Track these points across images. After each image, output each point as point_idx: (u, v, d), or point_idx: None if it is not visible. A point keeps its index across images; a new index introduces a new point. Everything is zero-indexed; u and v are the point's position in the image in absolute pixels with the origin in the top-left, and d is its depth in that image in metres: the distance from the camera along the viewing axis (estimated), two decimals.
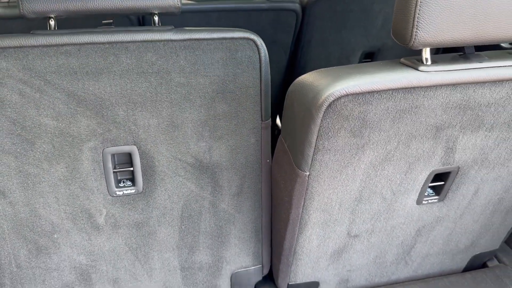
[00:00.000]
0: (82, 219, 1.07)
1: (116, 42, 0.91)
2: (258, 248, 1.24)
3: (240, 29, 0.98)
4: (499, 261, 1.39)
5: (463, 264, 1.34)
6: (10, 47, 0.87)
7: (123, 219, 1.10)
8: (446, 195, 1.07)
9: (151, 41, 0.92)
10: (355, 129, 0.85)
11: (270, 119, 1.08)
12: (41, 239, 1.07)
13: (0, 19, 1.36)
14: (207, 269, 1.22)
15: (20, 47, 0.87)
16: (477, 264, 1.37)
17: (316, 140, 0.85)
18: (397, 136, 0.89)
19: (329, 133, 0.84)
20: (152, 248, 1.16)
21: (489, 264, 1.38)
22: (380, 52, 1.84)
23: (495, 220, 1.20)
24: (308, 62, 1.80)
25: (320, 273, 1.19)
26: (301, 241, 1.07)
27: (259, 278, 1.29)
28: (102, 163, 1.02)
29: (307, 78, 0.88)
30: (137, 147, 1.02)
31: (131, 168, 1.04)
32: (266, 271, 1.29)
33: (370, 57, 1.86)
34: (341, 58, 1.81)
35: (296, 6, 1.58)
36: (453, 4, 0.76)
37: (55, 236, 1.08)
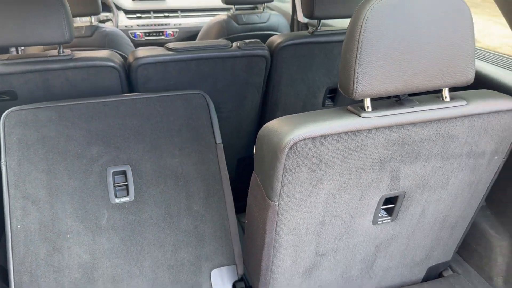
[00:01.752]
0: (90, 221, 1.40)
1: (119, 100, 1.51)
2: (229, 246, 1.46)
3: (194, 89, 1.59)
4: (453, 271, 1.57)
5: (421, 275, 1.52)
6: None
7: (120, 221, 1.43)
8: (397, 215, 1.26)
9: (140, 98, 1.53)
10: (313, 165, 1.03)
11: (221, 142, 1.56)
12: (58, 239, 1.34)
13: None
14: (189, 266, 1.41)
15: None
16: (433, 274, 1.55)
17: (282, 176, 1.03)
18: (348, 169, 1.08)
19: (292, 170, 1.02)
20: (143, 247, 1.41)
21: (444, 274, 1.56)
22: None
23: (443, 235, 1.39)
24: (279, 99, 2.00)
25: None
26: (276, 261, 1.24)
27: (235, 277, 1.44)
28: (106, 178, 1.44)
29: (273, 124, 1.07)
30: (130, 165, 1.48)
31: (126, 183, 1.46)
32: (240, 271, 1.45)
33: (334, 92, 2.07)
34: (308, 95, 2.02)
35: (265, 53, 1.79)
36: (385, 64, 0.96)
37: (68, 236, 1.36)
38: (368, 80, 0.96)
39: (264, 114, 2.07)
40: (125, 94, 1.56)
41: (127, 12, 3.69)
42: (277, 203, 1.09)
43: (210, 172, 1.53)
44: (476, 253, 1.55)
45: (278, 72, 1.89)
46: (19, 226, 1.34)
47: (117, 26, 3.45)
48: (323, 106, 2.09)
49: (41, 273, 1.33)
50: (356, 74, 0.95)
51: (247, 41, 1.80)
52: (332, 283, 1.38)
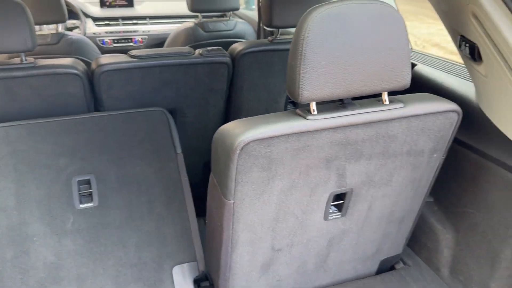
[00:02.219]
0: (56, 225, 1.47)
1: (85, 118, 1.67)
2: (191, 245, 1.53)
3: (156, 107, 1.75)
4: (404, 263, 1.67)
5: (374, 268, 1.61)
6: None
7: (84, 225, 1.50)
8: (346, 211, 1.35)
9: (105, 115, 1.70)
10: (264, 165, 1.11)
11: (181, 152, 1.69)
12: (25, 242, 1.40)
13: None
14: (151, 264, 1.47)
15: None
16: (386, 267, 1.64)
17: (236, 175, 1.10)
18: (297, 168, 1.16)
19: (245, 169, 1.10)
20: (106, 248, 1.47)
21: (396, 266, 1.66)
22: None
23: (391, 229, 1.49)
24: (242, 104, 2.08)
25: (254, 284, 1.42)
26: (234, 257, 1.30)
27: (196, 273, 1.50)
28: (71, 186, 1.53)
29: (227, 127, 1.14)
30: (94, 174, 1.57)
31: (91, 190, 1.54)
32: (201, 268, 1.51)
33: None
34: (270, 100, 2.10)
35: (227, 60, 1.86)
36: (327, 70, 1.05)
37: (35, 239, 1.41)
38: (312, 85, 1.04)
39: (229, 119, 2.14)
40: (91, 113, 1.70)
41: (95, 19, 3.71)
42: (232, 201, 1.16)
43: (171, 179, 1.63)
44: (425, 246, 1.66)
45: (240, 78, 1.96)
46: None
47: (85, 34, 3.46)
48: (285, 110, 2.18)
49: (7, 274, 1.37)
50: (300, 80, 1.03)
51: (209, 48, 1.87)
52: (289, 277, 1.46)
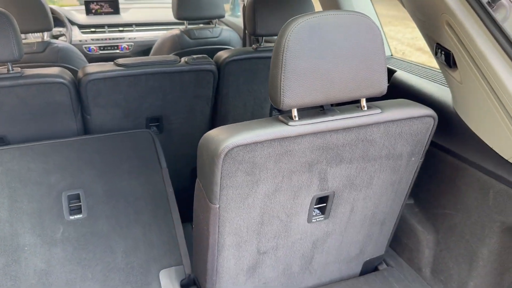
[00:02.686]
0: (46, 235, 1.52)
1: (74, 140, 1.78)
2: (176, 249, 1.58)
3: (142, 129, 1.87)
4: (387, 264, 1.72)
5: (358, 269, 1.65)
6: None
7: (74, 234, 1.54)
8: (329, 213, 1.39)
9: (93, 137, 1.80)
10: (248, 169, 1.14)
11: (166, 167, 1.77)
12: (16, 251, 1.48)
13: None
14: (138, 268, 1.50)
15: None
16: (370, 268, 1.69)
17: (221, 180, 1.13)
18: (280, 172, 1.19)
19: (229, 174, 1.13)
20: (95, 254, 1.50)
21: (380, 267, 1.70)
22: None
23: (374, 230, 1.53)
24: (228, 110, 2.11)
25: (240, 287, 1.45)
26: (221, 261, 1.33)
27: (183, 276, 1.53)
28: (61, 200, 1.59)
29: (211, 134, 1.17)
30: (83, 189, 1.64)
31: (80, 203, 1.60)
32: (188, 271, 1.55)
33: None
34: (256, 106, 2.14)
35: (212, 67, 1.89)
36: (307, 78, 1.09)
37: (26, 248, 1.46)
38: (293, 92, 1.08)
39: (215, 125, 2.18)
40: (80, 136, 1.83)
41: (81, 27, 3.71)
42: (218, 206, 1.19)
43: (156, 190, 1.72)
44: (407, 247, 1.70)
45: (226, 85, 2.00)
46: None
47: (70, 41, 3.46)
48: (271, 116, 2.22)
49: None
50: (282, 87, 1.07)
51: (195, 56, 1.90)
52: (275, 280, 1.49)
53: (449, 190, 1.53)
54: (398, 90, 1.82)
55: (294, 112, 1.14)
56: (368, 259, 1.63)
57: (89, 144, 1.74)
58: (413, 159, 1.37)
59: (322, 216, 1.39)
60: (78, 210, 1.59)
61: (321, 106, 1.20)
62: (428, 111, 1.27)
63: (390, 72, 1.95)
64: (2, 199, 1.55)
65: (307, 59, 1.07)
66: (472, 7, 1.19)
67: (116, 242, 1.54)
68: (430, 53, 1.48)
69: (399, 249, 1.74)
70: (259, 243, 1.35)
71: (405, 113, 1.25)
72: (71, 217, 1.56)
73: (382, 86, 1.19)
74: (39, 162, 1.64)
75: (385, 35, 2.25)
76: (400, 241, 1.73)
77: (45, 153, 1.67)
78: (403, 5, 1.52)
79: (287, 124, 1.13)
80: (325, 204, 1.37)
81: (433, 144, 1.56)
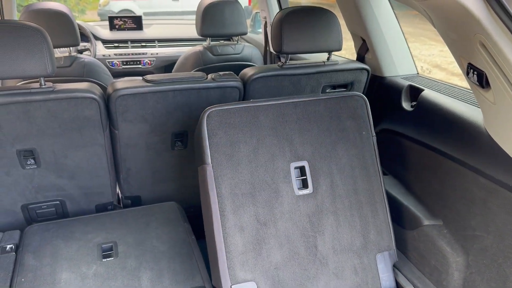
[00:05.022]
0: (81, 272, 1.63)
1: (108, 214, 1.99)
2: (198, 273, 1.65)
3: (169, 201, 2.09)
4: (414, 286, 1.68)
5: (373, 265, 1.69)
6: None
7: (105, 270, 1.63)
8: (312, 185, 1.63)
9: (124, 211, 2.00)
10: (227, 130, 1.54)
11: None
12: (53, 284, 1.58)
13: None
14: None
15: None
16: (386, 267, 1.70)
17: (208, 139, 1.53)
18: (255, 135, 1.58)
19: (213, 133, 1.53)
20: (123, 282, 1.59)
21: None
22: None
23: (366, 213, 1.71)
24: None
25: (251, 270, 1.53)
26: (226, 233, 1.52)
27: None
28: (96, 250, 1.72)
29: None
30: (117, 242, 1.80)
31: (112, 251, 1.73)
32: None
33: None
34: None
35: (239, 84, 1.91)
36: None
37: (62, 281, 1.60)
38: None
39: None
40: (113, 211, 2.03)
41: (104, 42, 3.79)
42: (211, 164, 1.53)
43: (180, 238, 1.84)
44: (435, 269, 1.67)
45: None
46: None
47: (95, 56, 3.53)
48: None
49: None
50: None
51: (221, 73, 1.92)
52: (285, 265, 1.57)
53: (480, 211, 1.50)
54: (426, 110, 1.81)
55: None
56: (379, 253, 1.67)
57: (122, 217, 1.94)
58: (364, 133, 1.71)
59: (307, 189, 1.63)
60: (110, 255, 1.71)
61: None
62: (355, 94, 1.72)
63: (418, 90, 1.94)
64: (44, 253, 1.71)
65: None
66: (507, 27, 1.18)
67: (142, 273, 1.62)
68: (448, 70, 1.48)
69: (427, 271, 1.70)
70: (257, 209, 1.56)
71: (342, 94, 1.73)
72: (104, 260, 1.68)
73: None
74: (79, 226, 1.86)
75: (411, 52, 2.25)
76: (428, 262, 1.69)
77: (83, 221, 1.90)
78: (433, 25, 1.52)
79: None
80: (305, 177, 1.64)
81: (461, 164, 1.54)
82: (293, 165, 1.62)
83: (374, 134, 1.73)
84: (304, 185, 1.64)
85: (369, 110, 1.74)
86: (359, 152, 1.71)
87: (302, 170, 1.64)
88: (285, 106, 1.63)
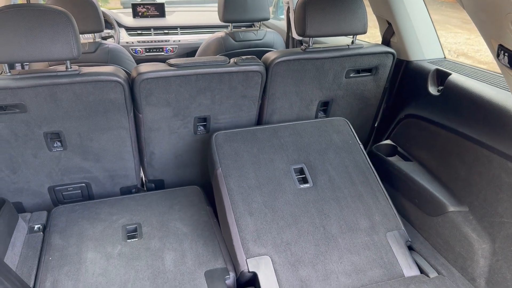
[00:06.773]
0: (106, 252, 1.69)
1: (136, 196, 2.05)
2: (220, 256, 1.68)
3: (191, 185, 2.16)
4: (438, 273, 1.66)
5: (386, 244, 1.70)
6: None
7: (129, 250, 1.70)
8: (311, 181, 1.81)
9: (148, 194, 2.08)
10: (232, 144, 1.84)
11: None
12: (79, 263, 1.65)
13: None
14: (185, 270, 1.61)
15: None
16: (400, 249, 1.65)
17: (216, 150, 1.86)
18: (255, 146, 1.87)
19: (221, 146, 1.85)
20: (147, 262, 1.64)
21: (431, 275, 1.64)
22: (333, 101, 2.17)
23: (366, 191, 1.86)
24: (274, 111, 2.11)
25: (266, 246, 1.61)
26: (238, 217, 1.65)
27: (227, 274, 1.60)
28: (121, 231, 1.80)
29: None
30: (141, 223, 1.96)
31: (136, 233, 1.79)
32: (231, 269, 1.62)
33: (326, 105, 2.18)
34: (302, 107, 2.12)
35: (261, 68, 1.90)
36: None
37: (88, 260, 1.65)
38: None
39: (260, 124, 2.18)
40: (138, 194, 2.08)
41: (128, 29, 3.83)
42: (220, 169, 1.80)
43: (201, 220, 1.89)
44: (460, 255, 1.64)
45: (273, 86, 2.00)
46: None
47: (118, 43, 3.57)
48: (316, 117, 2.20)
49: (61, 284, 1.45)
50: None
51: (244, 57, 1.91)
52: (296, 245, 1.63)
53: (507, 197, 1.46)
54: (454, 94, 1.76)
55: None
56: (388, 232, 1.71)
57: (146, 199, 2.00)
58: (350, 142, 1.98)
59: (307, 184, 1.81)
60: (135, 236, 1.76)
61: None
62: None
63: (445, 74, 1.89)
64: (70, 233, 1.77)
65: None
66: None
67: (166, 254, 1.67)
68: (475, 58, 1.43)
69: (451, 257, 1.68)
70: (263, 198, 1.72)
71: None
72: (129, 240, 1.73)
73: None
74: (105, 208, 1.93)
75: (438, 36, 2.19)
76: (452, 249, 1.67)
77: (108, 203, 1.96)
78: (463, 6, 1.47)
79: None
80: (304, 175, 1.84)
81: (489, 149, 1.50)
82: (292, 166, 1.86)
83: (360, 143, 1.99)
84: (304, 181, 1.83)
85: (352, 129, 2.04)
86: (349, 154, 1.94)
87: (300, 170, 1.86)
88: (278, 127, 2.00)
